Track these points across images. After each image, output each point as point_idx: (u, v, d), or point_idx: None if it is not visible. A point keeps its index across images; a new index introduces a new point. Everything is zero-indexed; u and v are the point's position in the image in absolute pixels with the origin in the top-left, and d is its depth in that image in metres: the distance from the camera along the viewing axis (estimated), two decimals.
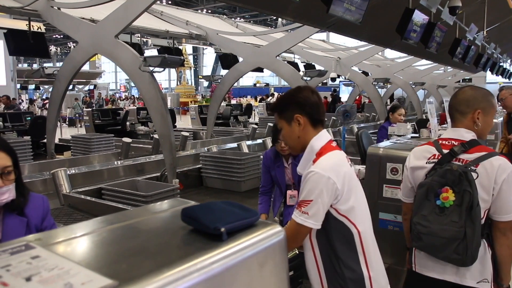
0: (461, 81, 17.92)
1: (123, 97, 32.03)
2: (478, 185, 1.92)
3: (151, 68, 5.29)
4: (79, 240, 1.05)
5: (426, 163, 2.09)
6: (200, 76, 38.15)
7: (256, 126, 11.03)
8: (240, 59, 9.52)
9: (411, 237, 2.11)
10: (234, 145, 7.70)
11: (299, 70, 10.27)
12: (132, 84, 42.35)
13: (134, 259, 0.94)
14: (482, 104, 2.08)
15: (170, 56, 5.64)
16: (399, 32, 5.63)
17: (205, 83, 40.98)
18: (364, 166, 3.48)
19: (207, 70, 44.52)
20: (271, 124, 10.63)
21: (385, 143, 3.07)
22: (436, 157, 2.07)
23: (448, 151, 2.04)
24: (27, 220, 1.60)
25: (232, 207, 1.17)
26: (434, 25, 6.28)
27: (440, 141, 2.12)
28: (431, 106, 3.18)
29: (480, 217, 1.95)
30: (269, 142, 7.84)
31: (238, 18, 22.31)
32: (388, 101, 16.39)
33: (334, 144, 1.88)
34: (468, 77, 18.59)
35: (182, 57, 7.11)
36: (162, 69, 5.44)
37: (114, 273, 0.85)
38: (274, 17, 31.72)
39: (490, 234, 2.03)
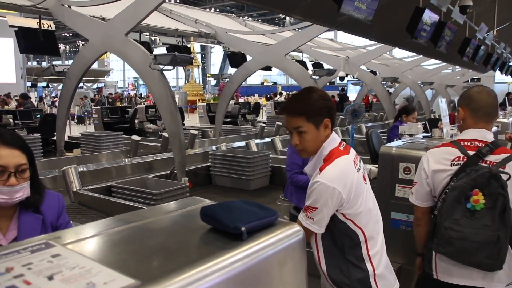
0: (469, 81, 17.79)
1: (135, 95, 32.07)
2: (509, 188, 1.88)
3: (161, 66, 5.29)
4: (98, 238, 1.05)
5: (451, 165, 2.03)
6: (208, 75, 38.17)
7: (264, 125, 11.01)
8: (249, 58, 9.51)
9: (437, 242, 2.03)
10: (243, 143, 7.69)
11: (307, 69, 10.24)
12: (141, 82, 42.54)
13: (155, 258, 0.94)
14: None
15: (180, 54, 5.64)
16: (409, 31, 5.59)
17: (213, 82, 41.02)
18: (375, 166, 3.47)
19: (215, 69, 44.57)
20: (279, 123, 10.62)
21: (397, 143, 3.05)
22: (461, 159, 2.01)
23: (473, 152, 1.99)
24: (42, 218, 1.61)
25: (251, 206, 1.17)
26: (444, 24, 6.24)
27: (462, 143, 2.07)
28: (443, 105, 3.15)
29: (511, 220, 1.91)
30: (278, 141, 7.83)
31: (246, 17, 22.26)
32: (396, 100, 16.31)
33: (342, 146, 1.85)
34: (476, 77, 18.46)
35: (191, 55, 7.10)
36: (172, 67, 5.45)
37: (135, 273, 0.85)
38: (282, 16, 31.69)
39: None
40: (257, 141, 8.06)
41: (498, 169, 1.89)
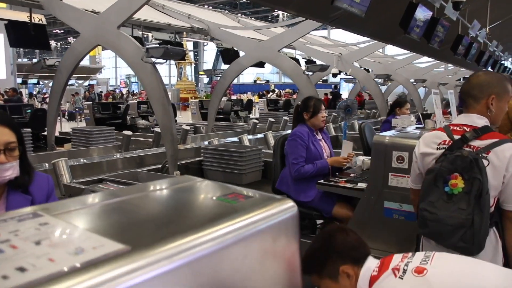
0: (461, 79, 17.89)
1: (127, 92, 31.90)
2: (488, 173, 1.88)
3: (153, 60, 5.26)
4: (87, 210, 1.02)
5: (436, 149, 2.05)
6: (201, 72, 38.10)
7: (257, 121, 11.00)
8: (242, 54, 9.49)
9: (417, 223, 2.08)
10: (235, 139, 7.67)
11: (300, 66, 10.24)
12: (132, 80, 42.37)
13: (145, 227, 0.91)
14: (496, 89, 2.02)
15: (173, 47, 5.61)
16: (402, 26, 5.62)
17: (205, 80, 40.95)
18: (368, 157, 3.47)
19: (207, 67, 44.48)
20: (272, 120, 10.61)
21: (390, 132, 3.06)
22: (446, 143, 2.03)
23: (459, 137, 2.00)
24: (31, 198, 1.58)
25: None
26: (437, 21, 6.27)
27: (451, 127, 2.07)
28: (436, 96, 3.16)
29: (489, 205, 1.91)
30: (270, 136, 7.82)
31: (240, 15, 22.25)
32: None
33: (377, 268, 1.58)
34: (468, 75, 18.56)
35: (184, 49, 7.06)
36: (164, 60, 5.41)
37: (125, 240, 0.82)
38: (275, 14, 31.71)
39: (500, 223, 2.00)
40: (250, 136, 8.04)
41: (479, 154, 1.89)
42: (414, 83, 14.59)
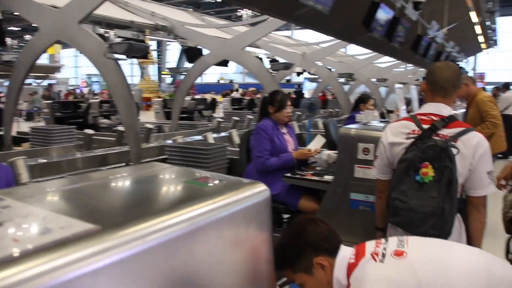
0: (420, 79, 18.39)
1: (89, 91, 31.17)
2: (457, 161, 1.94)
3: (116, 56, 5.15)
4: (52, 193, 0.98)
5: (406, 138, 2.08)
6: (163, 72, 37.68)
7: (221, 120, 10.96)
8: (206, 52, 9.43)
9: (388, 212, 2.10)
10: (200, 137, 7.61)
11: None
12: (94, 79, 41.44)
13: (115, 209, 0.89)
14: (461, 81, 2.15)
15: (137, 43, 5.51)
16: (365, 25, 5.71)
17: (168, 80, 40.49)
18: (335, 151, 3.51)
19: (170, 66, 44.00)
20: (236, 118, 10.58)
21: (356, 125, 3.10)
22: (415, 132, 2.07)
23: (428, 126, 2.04)
24: None
25: None
26: (399, 20, 6.41)
27: (419, 116, 2.11)
28: (400, 91, 3.23)
29: (457, 192, 1.97)
30: (235, 134, 7.80)
31: (204, 15, 22.12)
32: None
33: (353, 256, 1.57)
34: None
35: (148, 45, 6.96)
36: (126, 57, 5.32)
37: (95, 221, 0.79)
38: (239, 14, 31.75)
39: (463, 208, 2.06)
40: (214, 135, 7.99)
41: (448, 143, 1.94)
42: (376, 82, 14.90)
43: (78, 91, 33.59)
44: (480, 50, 15.69)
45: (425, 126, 2.05)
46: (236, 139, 7.79)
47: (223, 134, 8.46)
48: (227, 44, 8.71)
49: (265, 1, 5.34)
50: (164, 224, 0.84)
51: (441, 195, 1.91)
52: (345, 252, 1.59)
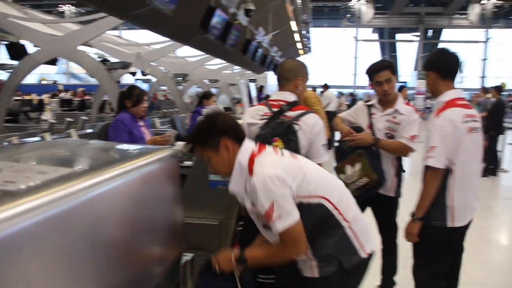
0: (248, 80, 19.70)
1: None
2: (299, 136, 2.47)
3: None
4: None
5: (260, 119, 2.58)
6: None
7: (53, 121, 10.36)
8: (34, 49, 8.82)
9: None
10: (37, 138, 7.20)
11: None
12: None
13: (32, 172, 0.99)
14: (301, 73, 2.67)
15: None
16: (202, 27, 6.11)
17: None
18: (184, 142, 3.85)
19: None
20: (70, 119, 10.10)
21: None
22: (267, 114, 2.58)
23: (277, 109, 2.56)
24: None
25: None
26: (231, 24, 6.98)
27: (270, 102, 2.65)
28: (242, 86, 3.70)
29: None
30: (74, 134, 7.56)
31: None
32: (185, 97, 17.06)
33: (256, 149, 1.92)
34: (253, 78, 20.55)
35: None
36: None
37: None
38: (61, 10, 29.75)
39: None
40: (55, 136, 7.61)
41: (292, 122, 2.46)
42: (208, 83, 15.62)
43: None
44: (299, 55, 17.66)
45: (275, 110, 2.57)
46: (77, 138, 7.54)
47: (63, 135, 8.08)
48: (59, 41, 8.29)
49: None
50: (79, 187, 1.00)
51: None
52: (250, 144, 1.97)
